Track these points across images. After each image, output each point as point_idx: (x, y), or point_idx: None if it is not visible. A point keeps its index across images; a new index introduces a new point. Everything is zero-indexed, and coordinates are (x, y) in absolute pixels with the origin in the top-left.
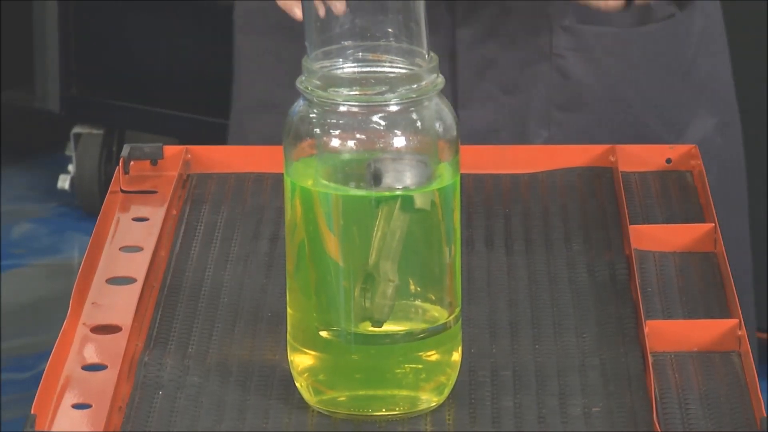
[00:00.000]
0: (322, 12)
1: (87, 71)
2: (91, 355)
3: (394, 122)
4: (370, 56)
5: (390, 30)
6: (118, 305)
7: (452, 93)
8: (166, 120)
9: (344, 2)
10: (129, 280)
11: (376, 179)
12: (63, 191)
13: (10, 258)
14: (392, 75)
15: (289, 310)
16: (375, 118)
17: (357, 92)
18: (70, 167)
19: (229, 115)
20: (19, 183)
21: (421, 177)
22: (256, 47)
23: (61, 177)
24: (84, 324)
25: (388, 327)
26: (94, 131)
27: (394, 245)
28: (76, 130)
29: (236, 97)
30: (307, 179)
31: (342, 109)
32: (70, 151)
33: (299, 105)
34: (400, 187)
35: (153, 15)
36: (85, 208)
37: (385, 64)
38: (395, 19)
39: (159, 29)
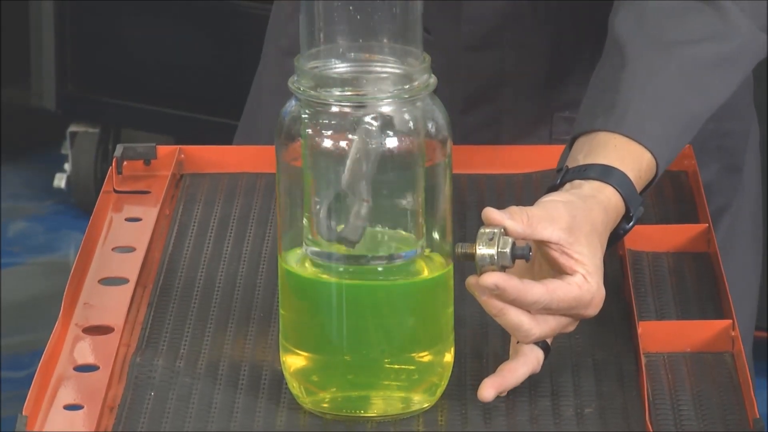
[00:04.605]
0: None
1: (83, 70)
2: (83, 356)
3: (385, 122)
4: (363, 56)
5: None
6: (111, 306)
7: None
8: (162, 118)
9: None
10: (121, 281)
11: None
12: (59, 189)
13: (7, 256)
14: (384, 75)
15: (281, 311)
16: (367, 118)
17: (349, 92)
18: (66, 166)
19: (229, 111)
20: (16, 181)
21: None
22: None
23: (57, 175)
24: (76, 324)
25: (362, 251)
26: (90, 130)
27: (369, 166)
28: (72, 128)
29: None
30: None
31: (334, 109)
32: (66, 149)
33: (291, 105)
34: (381, 95)
35: (149, 14)
36: (81, 206)
37: (377, 64)
38: (394, 19)
39: (155, 28)
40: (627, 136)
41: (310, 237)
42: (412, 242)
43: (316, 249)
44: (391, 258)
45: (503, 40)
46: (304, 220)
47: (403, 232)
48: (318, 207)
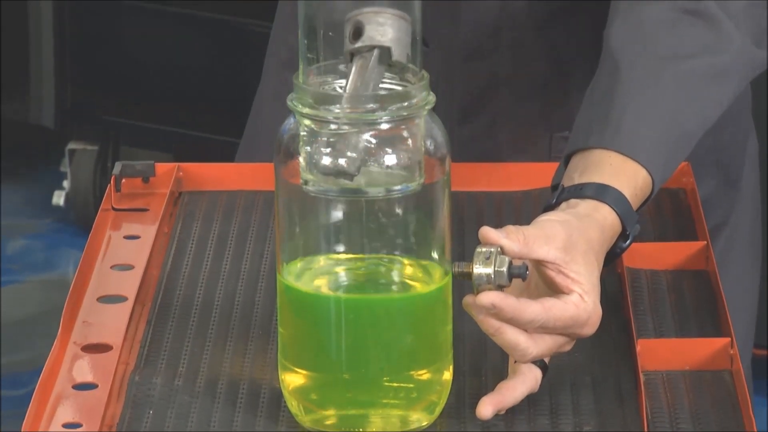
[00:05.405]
0: None
1: (82, 87)
2: (81, 374)
3: (384, 139)
4: None
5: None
6: (109, 324)
7: None
8: (161, 136)
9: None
10: (120, 299)
11: (357, 33)
12: (58, 207)
13: (6, 274)
14: (383, 92)
15: (280, 329)
16: (366, 135)
17: (348, 110)
18: (65, 183)
19: (229, 128)
20: (15, 198)
21: (401, 32)
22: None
23: (56, 193)
24: (75, 342)
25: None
26: (89, 147)
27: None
28: (71, 146)
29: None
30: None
31: (332, 127)
32: (65, 167)
33: (290, 123)
34: (381, 38)
35: (148, 32)
36: (80, 223)
37: None
38: None
39: (154, 46)
40: (622, 153)
41: (305, 177)
42: (410, 178)
43: (312, 186)
44: (388, 191)
45: (500, 48)
46: (300, 160)
47: (402, 171)
48: (314, 147)
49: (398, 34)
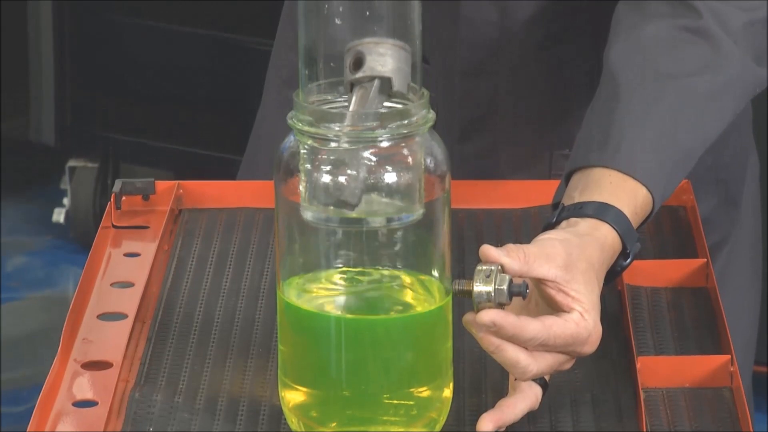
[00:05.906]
0: None
1: (82, 104)
2: (81, 391)
3: (384, 157)
4: None
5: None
6: (109, 341)
7: None
8: (162, 153)
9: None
10: (120, 316)
11: (357, 63)
12: (58, 224)
13: (6, 291)
14: (383, 110)
15: (280, 346)
16: (365, 153)
17: (348, 128)
18: (65, 200)
19: (229, 146)
20: (15, 216)
21: (401, 62)
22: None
23: (56, 210)
24: (75, 360)
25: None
26: (89, 165)
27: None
28: (71, 163)
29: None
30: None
31: (332, 145)
32: (65, 184)
33: (290, 141)
34: (382, 68)
35: (149, 50)
36: (80, 241)
37: None
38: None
39: (155, 64)
40: (622, 172)
41: (305, 207)
42: (411, 208)
43: (313, 214)
44: (389, 220)
45: (500, 66)
46: (300, 188)
47: (402, 198)
48: (314, 176)
49: (399, 65)
